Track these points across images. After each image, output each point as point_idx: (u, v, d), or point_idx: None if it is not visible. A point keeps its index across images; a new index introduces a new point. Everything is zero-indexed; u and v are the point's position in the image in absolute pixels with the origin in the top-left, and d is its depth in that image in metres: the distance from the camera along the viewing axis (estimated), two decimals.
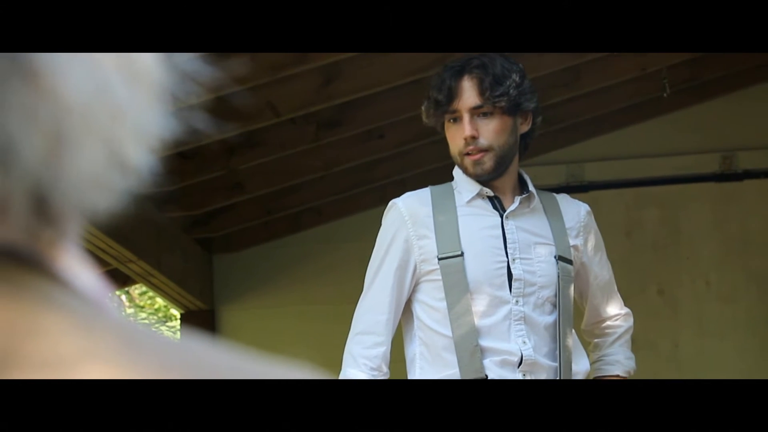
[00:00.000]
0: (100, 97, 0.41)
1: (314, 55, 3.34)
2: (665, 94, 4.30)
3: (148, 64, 0.43)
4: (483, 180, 2.68)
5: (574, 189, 4.86)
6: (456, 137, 2.66)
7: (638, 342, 4.81)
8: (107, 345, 0.40)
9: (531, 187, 2.73)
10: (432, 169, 4.38)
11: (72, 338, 0.39)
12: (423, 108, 2.74)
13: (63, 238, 0.42)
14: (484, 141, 2.64)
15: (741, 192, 4.92)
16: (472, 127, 2.63)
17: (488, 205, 2.71)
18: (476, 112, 2.64)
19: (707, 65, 4.69)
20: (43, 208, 0.40)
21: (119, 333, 0.41)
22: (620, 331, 2.89)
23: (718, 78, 4.83)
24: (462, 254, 2.64)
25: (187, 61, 0.44)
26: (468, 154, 2.64)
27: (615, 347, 2.88)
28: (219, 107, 3.41)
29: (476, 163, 2.64)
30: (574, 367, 2.70)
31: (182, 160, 3.82)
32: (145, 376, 0.39)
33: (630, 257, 4.89)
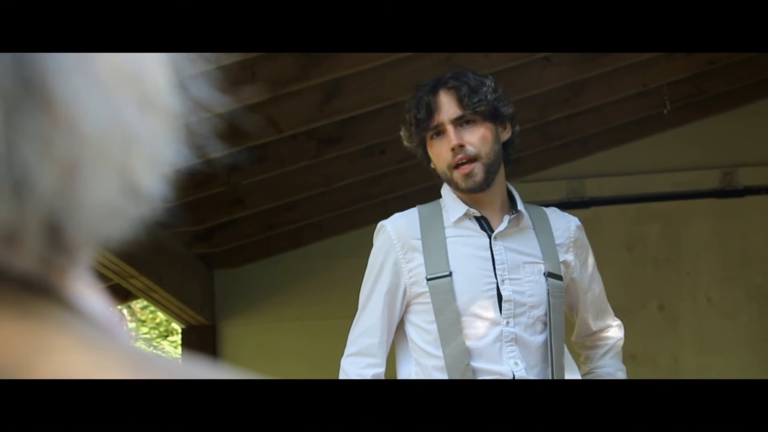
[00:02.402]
0: (114, 125, 0.41)
1: (315, 72, 3.35)
2: (666, 111, 4.30)
3: (161, 92, 0.43)
4: (475, 192, 2.67)
5: (575, 205, 4.87)
6: (442, 151, 2.66)
7: (639, 357, 4.82)
8: (116, 363, 0.40)
9: (520, 206, 2.72)
10: (433, 185, 4.39)
11: (82, 356, 0.40)
12: (402, 131, 2.74)
13: (75, 265, 0.43)
14: (471, 148, 2.64)
15: (742, 208, 4.93)
16: (458, 136, 2.64)
17: (476, 226, 2.69)
18: (459, 122, 2.65)
19: (708, 82, 4.70)
20: (56, 236, 0.41)
21: (127, 354, 0.41)
22: (611, 342, 2.88)
23: (719, 94, 4.84)
24: (450, 274, 2.64)
25: (199, 88, 0.45)
26: (457, 166, 2.64)
27: (606, 359, 2.87)
28: (221, 124, 3.41)
29: (467, 176, 2.63)
30: None
31: (183, 175, 3.83)
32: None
33: (631, 273, 4.89)
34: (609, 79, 4.34)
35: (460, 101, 2.64)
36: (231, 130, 3.35)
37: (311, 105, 3.63)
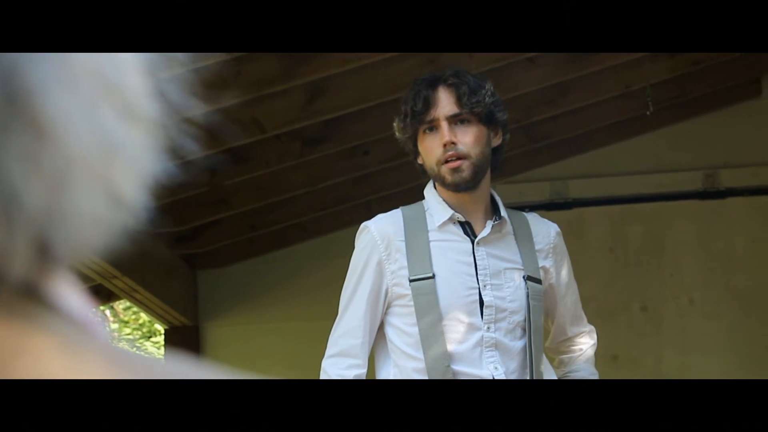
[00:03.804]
0: (97, 137, 0.41)
1: (299, 72, 3.35)
2: (649, 112, 4.32)
3: (141, 101, 0.43)
4: (460, 190, 2.68)
5: (558, 206, 4.87)
6: (433, 146, 2.66)
7: (621, 358, 4.83)
8: (93, 365, 0.40)
9: (503, 212, 2.73)
10: (417, 186, 4.39)
11: (59, 358, 0.40)
12: (396, 122, 2.74)
13: (57, 268, 0.42)
14: (462, 147, 2.64)
15: (724, 209, 4.94)
16: (451, 133, 2.64)
17: (459, 231, 2.70)
18: (454, 120, 2.66)
19: (690, 83, 4.72)
20: (43, 249, 0.41)
21: (106, 355, 0.41)
22: (585, 347, 2.91)
23: (702, 96, 4.86)
24: (433, 276, 2.64)
25: (180, 97, 0.45)
26: (447, 162, 2.65)
27: (579, 364, 2.90)
28: (204, 123, 3.41)
29: (455, 170, 2.64)
30: None
31: (167, 177, 3.82)
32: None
33: (614, 274, 4.90)
34: (593, 81, 4.35)
35: (459, 99, 2.65)
36: (214, 130, 3.35)
37: (295, 105, 3.63)
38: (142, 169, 0.43)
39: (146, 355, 0.43)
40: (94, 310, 0.46)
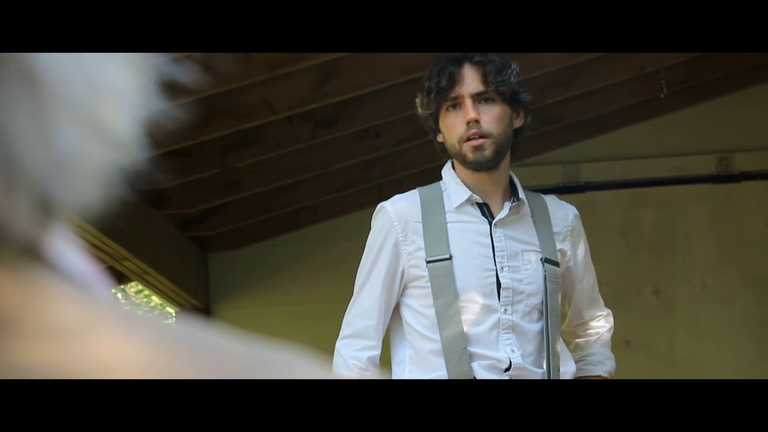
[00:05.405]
0: (84, 81, 0.40)
1: (311, 54, 3.34)
2: (663, 95, 4.29)
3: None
4: (481, 169, 2.67)
5: (570, 189, 4.86)
6: (456, 123, 2.66)
7: (634, 343, 4.83)
8: (106, 316, 0.40)
9: (521, 194, 2.72)
10: (429, 168, 4.38)
11: (73, 308, 0.40)
12: (419, 99, 2.73)
13: (56, 225, 0.42)
14: (485, 126, 2.65)
15: (737, 193, 4.92)
16: (475, 111, 2.64)
17: (477, 212, 2.70)
18: (478, 98, 2.66)
19: (705, 66, 4.69)
20: (42, 200, 0.40)
21: (113, 310, 0.41)
22: (602, 331, 2.90)
23: (716, 79, 4.83)
24: (450, 258, 2.64)
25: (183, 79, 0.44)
26: (469, 139, 2.64)
27: (596, 348, 2.89)
28: (216, 105, 3.40)
29: (476, 148, 2.64)
30: (561, 369, 2.70)
31: (178, 157, 3.81)
32: (143, 347, 0.39)
33: (626, 258, 4.89)
34: (605, 64, 4.32)
35: (484, 78, 2.66)
36: (225, 111, 3.34)
37: (307, 87, 3.62)
38: (134, 109, 0.42)
39: (150, 314, 0.43)
40: (97, 271, 0.45)
